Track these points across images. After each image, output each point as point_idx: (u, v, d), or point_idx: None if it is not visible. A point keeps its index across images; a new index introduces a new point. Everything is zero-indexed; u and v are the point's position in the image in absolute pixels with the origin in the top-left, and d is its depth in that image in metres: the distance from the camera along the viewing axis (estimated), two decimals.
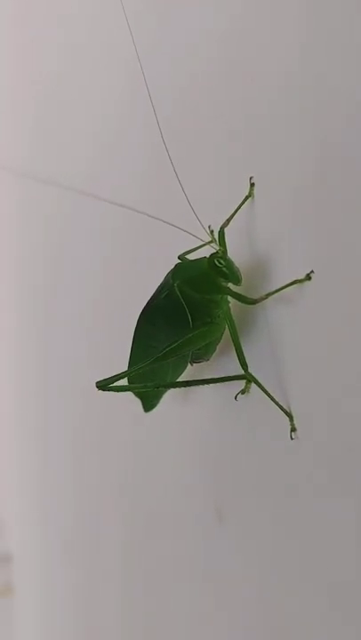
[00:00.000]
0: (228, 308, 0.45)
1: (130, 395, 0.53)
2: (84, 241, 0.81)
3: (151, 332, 0.48)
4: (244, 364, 0.43)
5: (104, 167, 0.73)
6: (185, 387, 0.48)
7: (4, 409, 1.22)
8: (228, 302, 0.45)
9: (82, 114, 0.82)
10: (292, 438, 0.40)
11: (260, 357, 0.44)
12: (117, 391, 0.48)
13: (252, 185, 0.44)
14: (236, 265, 0.44)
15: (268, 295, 0.41)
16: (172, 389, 0.53)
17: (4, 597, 1.02)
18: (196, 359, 0.48)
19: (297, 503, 0.41)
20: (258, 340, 0.45)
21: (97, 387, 0.45)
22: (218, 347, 0.48)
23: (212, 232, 0.47)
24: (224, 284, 0.44)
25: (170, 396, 0.54)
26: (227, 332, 0.46)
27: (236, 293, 0.44)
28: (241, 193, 0.45)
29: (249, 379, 0.44)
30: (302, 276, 0.39)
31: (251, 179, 0.44)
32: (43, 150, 0.96)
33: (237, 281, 0.43)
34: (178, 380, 0.50)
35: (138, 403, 0.54)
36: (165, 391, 0.53)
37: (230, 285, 0.44)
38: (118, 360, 0.51)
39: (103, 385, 0.46)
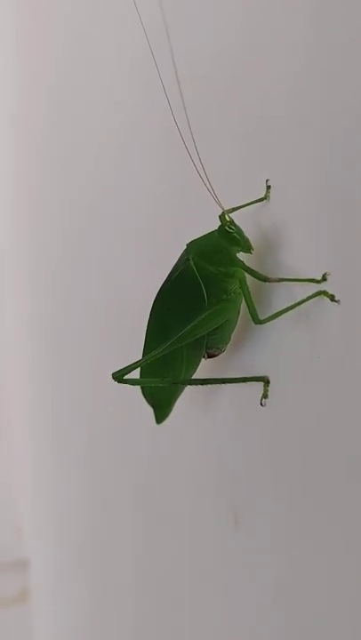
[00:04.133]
0: (245, 281, 0.45)
1: (145, 401, 0.54)
2: (98, 232, 0.81)
3: (165, 318, 0.48)
4: (255, 317, 0.44)
5: (122, 162, 0.73)
6: (202, 385, 0.48)
7: (19, 419, 1.22)
8: (244, 275, 0.45)
9: (90, 117, 0.82)
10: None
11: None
12: (133, 384, 0.49)
13: (269, 187, 0.45)
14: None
15: (281, 280, 0.42)
16: (185, 398, 0.53)
17: (20, 603, 1.02)
18: (210, 348, 0.48)
19: (314, 506, 0.41)
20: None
21: (113, 378, 0.46)
22: (233, 339, 0.48)
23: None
24: (237, 253, 0.44)
25: (185, 400, 0.54)
26: (241, 320, 0.47)
27: (249, 268, 0.44)
28: (255, 188, 0.46)
29: (266, 381, 0.45)
30: (319, 277, 0.40)
31: (267, 181, 0.45)
32: (55, 147, 0.97)
33: (248, 248, 0.44)
34: (194, 378, 0.50)
35: (152, 411, 0.54)
36: (178, 395, 0.53)
37: (244, 263, 0.45)
38: (134, 357, 0.51)
39: (120, 376, 0.46)
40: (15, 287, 1.19)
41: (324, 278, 0.40)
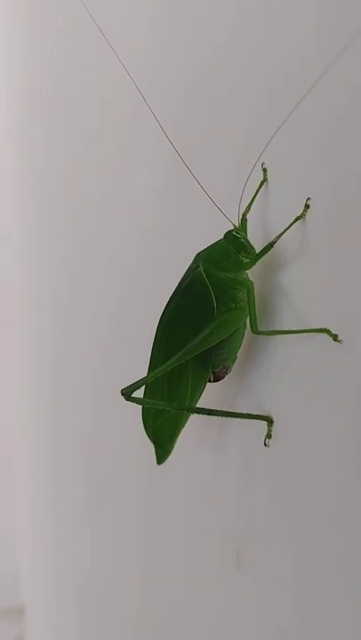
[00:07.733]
0: (252, 291, 0.46)
1: (145, 438, 0.54)
2: (102, 247, 0.82)
3: (173, 330, 0.48)
4: (254, 326, 0.46)
5: (124, 176, 0.75)
6: (208, 414, 0.48)
7: (19, 461, 1.21)
8: (252, 282, 0.46)
9: (89, 135, 0.84)
10: None
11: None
12: (140, 404, 0.49)
13: (265, 170, 0.46)
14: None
15: (279, 236, 0.44)
16: (187, 434, 0.53)
17: None
18: (216, 367, 0.48)
19: (318, 548, 0.41)
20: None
21: (122, 394, 0.46)
22: (237, 370, 0.49)
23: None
24: (245, 258, 0.45)
25: (187, 436, 0.54)
26: (247, 339, 0.47)
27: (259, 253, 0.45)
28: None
29: (269, 420, 0.45)
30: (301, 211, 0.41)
31: (263, 164, 0.46)
32: (59, 165, 0.99)
33: (254, 254, 0.45)
34: (201, 407, 0.50)
35: (152, 447, 0.54)
36: (180, 430, 0.53)
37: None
38: (140, 375, 0.51)
39: (128, 392, 0.46)
40: (21, 302, 1.19)
41: (306, 205, 0.41)
